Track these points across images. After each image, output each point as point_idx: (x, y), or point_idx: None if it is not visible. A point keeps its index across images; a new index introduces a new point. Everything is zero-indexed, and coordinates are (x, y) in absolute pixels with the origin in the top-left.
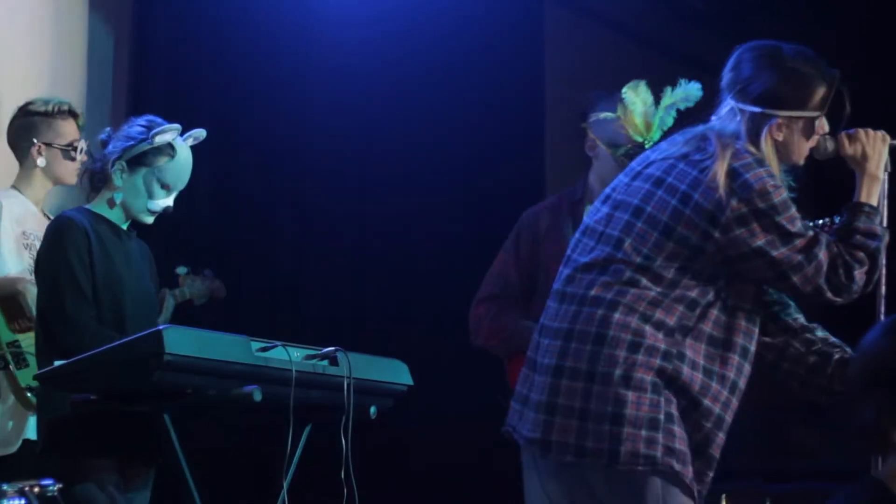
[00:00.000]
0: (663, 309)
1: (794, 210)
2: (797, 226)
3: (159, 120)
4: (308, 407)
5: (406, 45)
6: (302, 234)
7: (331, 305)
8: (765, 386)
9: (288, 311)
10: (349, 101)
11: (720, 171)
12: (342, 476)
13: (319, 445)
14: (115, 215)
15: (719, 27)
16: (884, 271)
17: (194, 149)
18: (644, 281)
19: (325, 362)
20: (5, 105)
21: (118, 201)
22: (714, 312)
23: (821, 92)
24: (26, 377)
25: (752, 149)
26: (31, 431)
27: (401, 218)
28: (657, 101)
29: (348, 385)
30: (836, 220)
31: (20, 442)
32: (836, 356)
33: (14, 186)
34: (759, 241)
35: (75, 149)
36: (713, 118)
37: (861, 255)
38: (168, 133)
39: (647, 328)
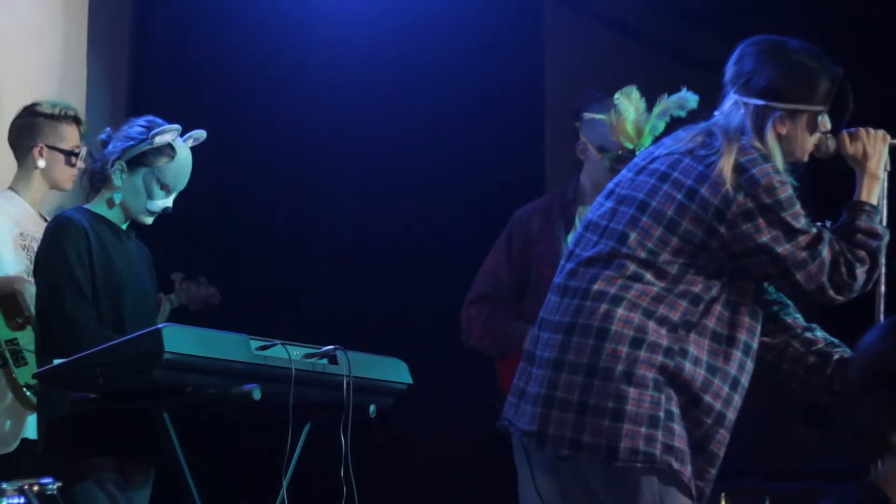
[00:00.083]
0: (667, 305)
1: (798, 207)
2: (801, 222)
3: (159, 120)
4: (307, 405)
5: (405, 45)
6: (302, 234)
7: (330, 304)
8: (765, 386)
9: (287, 310)
10: (349, 102)
11: (726, 166)
12: (342, 475)
13: (319, 444)
14: (115, 215)
15: (719, 27)
16: (883, 270)
17: (194, 149)
18: (648, 276)
19: (325, 361)
20: (6, 105)
21: (118, 201)
22: (717, 308)
23: (824, 86)
24: (25, 375)
25: (758, 144)
26: (29, 430)
27: (400, 217)
28: (651, 105)
29: (348, 383)
30: (828, 223)
31: (18, 441)
32: (836, 356)
33: (11, 188)
34: (765, 238)
35: (77, 155)
36: (716, 113)
37: (862, 253)
38: (168, 133)
39: (651, 324)
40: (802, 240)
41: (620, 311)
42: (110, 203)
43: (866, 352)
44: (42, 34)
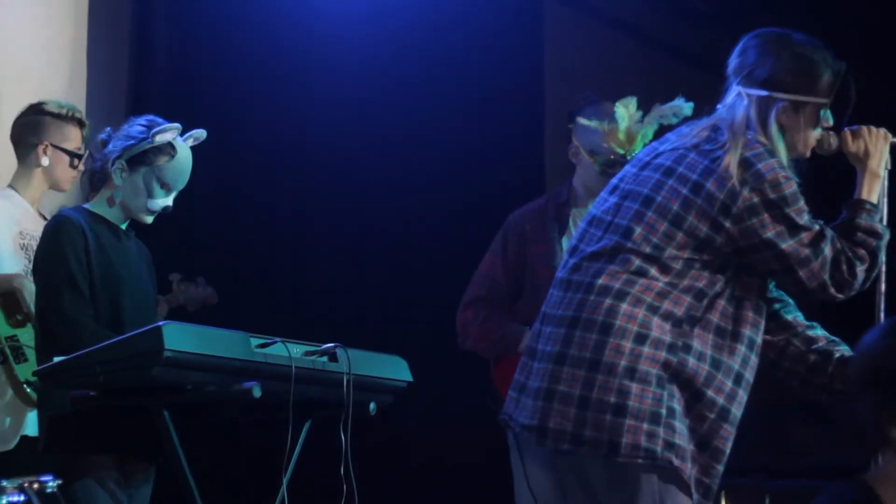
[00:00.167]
0: (671, 300)
1: (802, 202)
2: (804, 219)
3: (160, 119)
4: (307, 403)
5: (405, 44)
6: (302, 233)
7: (330, 302)
8: (765, 384)
9: (287, 308)
10: (349, 101)
11: (733, 160)
12: (342, 472)
13: (319, 442)
14: (114, 215)
15: (719, 27)
16: (883, 269)
17: (194, 149)
18: (652, 271)
19: (325, 359)
20: (5, 105)
21: (118, 200)
22: (721, 303)
23: (827, 79)
24: (25, 372)
25: (762, 139)
26: (28, 428)
27: (400, 216)
28: (647, 111)
29: (348, 381)
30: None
31: (18, 438)
32: (837, 355)
33: (11, 186)
34: (769, 233)
35: (80, 157)
36: (719, 106)
37: (862, 252)
38: (168, 132)
39: (655, 320)
40: (805, 236)
41: (624, 306)
42: (110, 202)
43: (867, 351)
44: (42, 34)
